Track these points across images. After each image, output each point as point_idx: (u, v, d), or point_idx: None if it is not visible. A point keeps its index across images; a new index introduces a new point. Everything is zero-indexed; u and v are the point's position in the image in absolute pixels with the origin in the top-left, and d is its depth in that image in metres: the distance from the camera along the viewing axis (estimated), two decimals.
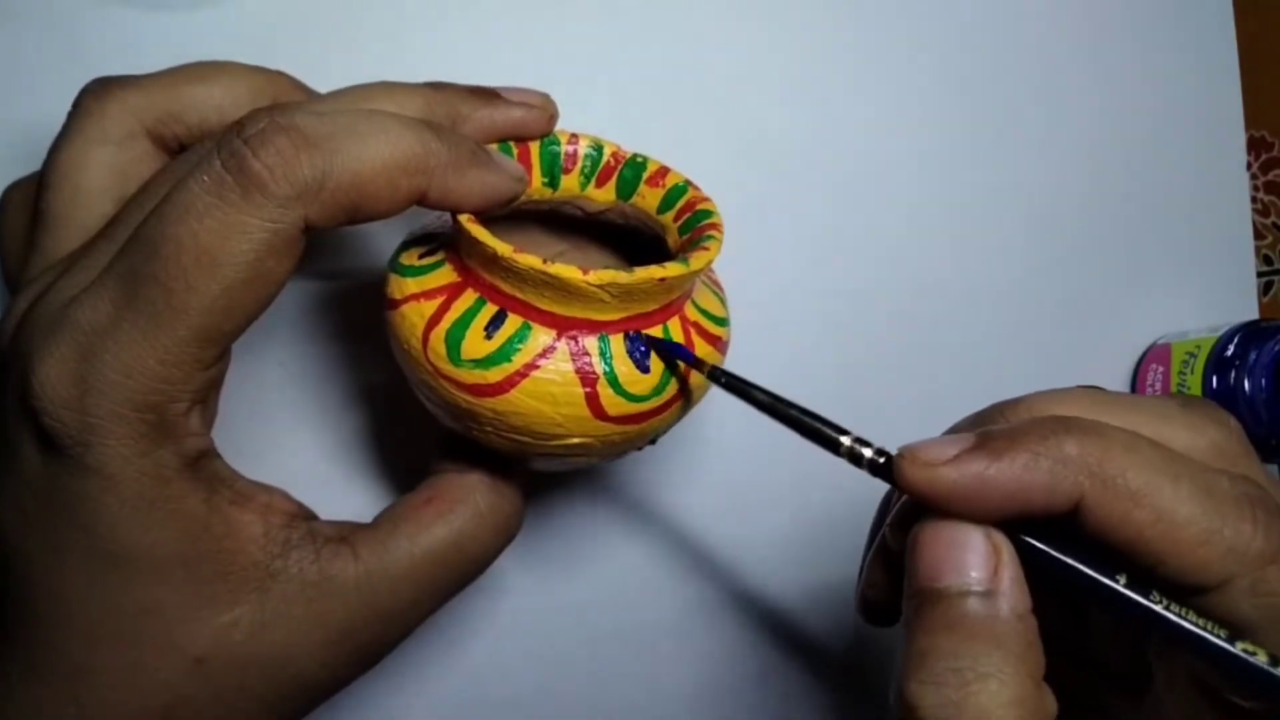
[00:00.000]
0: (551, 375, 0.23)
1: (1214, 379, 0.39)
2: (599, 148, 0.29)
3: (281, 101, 0.25)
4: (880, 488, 0.25)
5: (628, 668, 0.37)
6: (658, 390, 0.25)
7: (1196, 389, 0.39)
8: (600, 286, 0.23)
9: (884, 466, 0.21)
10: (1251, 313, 0.44)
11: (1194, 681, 0.21)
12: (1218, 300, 0.43)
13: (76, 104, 0.25)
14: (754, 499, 0.38)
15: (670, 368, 0.25)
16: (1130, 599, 0.20)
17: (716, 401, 0.34)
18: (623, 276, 0.23)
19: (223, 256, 0.20)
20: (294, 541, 0.23)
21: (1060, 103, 0.42)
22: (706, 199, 0.28)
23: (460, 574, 0.25)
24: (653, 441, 0.27)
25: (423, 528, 0.25)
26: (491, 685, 0.36)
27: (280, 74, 0.27)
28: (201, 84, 0.25)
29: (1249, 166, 0.44)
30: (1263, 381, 0.37)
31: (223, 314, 0.21)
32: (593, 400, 0.24)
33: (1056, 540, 0.21)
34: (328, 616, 0.23)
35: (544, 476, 0.36)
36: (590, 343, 0.24)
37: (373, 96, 0.24)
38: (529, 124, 0.27)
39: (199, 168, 0.21)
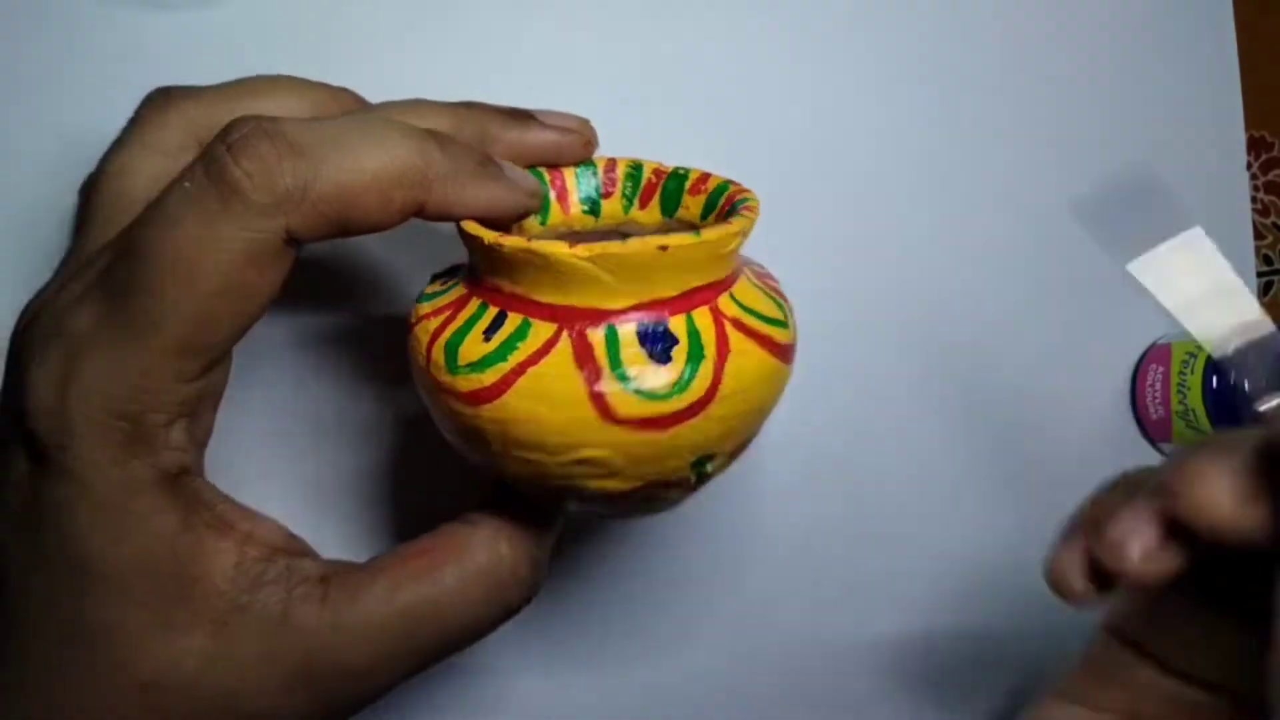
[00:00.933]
0: (549, 370, 0.21)
1: (1214, 379, 0.39)
2: (638, 167, 0.27)
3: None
4: None
5: None
6: (680, 386, 0.21)
7: (1196, 389, 0.39)
8: (591, 260, 0.21)
9: None
10: None
11: None
12: None
13: (136, 112, 0.25)
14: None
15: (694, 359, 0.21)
16: None
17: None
18: (614, 247, 0.21)
19: (199, 267, 0.20)
20: (267, 577, 0.22)
21: (1060, 103, 0.42)
22: (747, 190, 0.26)
23: (440, 638, 0.23)
24: (701, 476, 0.23)
25: (403, 581, 0.23)
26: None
27: (344, 90, 0.26)
28: (260, 98, 0.25)
29: (1249, 166, 0.44)
30: (1262, 381, 0.37)
31: (200, 326, 0.20)
32: (598, 399, 0.21)
33: None
34: (287, 659, 0.21)
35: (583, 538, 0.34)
36: (594, 333, 0.21)
37: (402, 112, 0.24)
38: (563, 148, 0.26)
39: (184, 174, 0.21)
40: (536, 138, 0.26)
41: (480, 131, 0.25)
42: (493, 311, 0.22)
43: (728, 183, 0.27)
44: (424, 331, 0.23)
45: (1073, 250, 0.42)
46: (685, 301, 0.22)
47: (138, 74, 0.28)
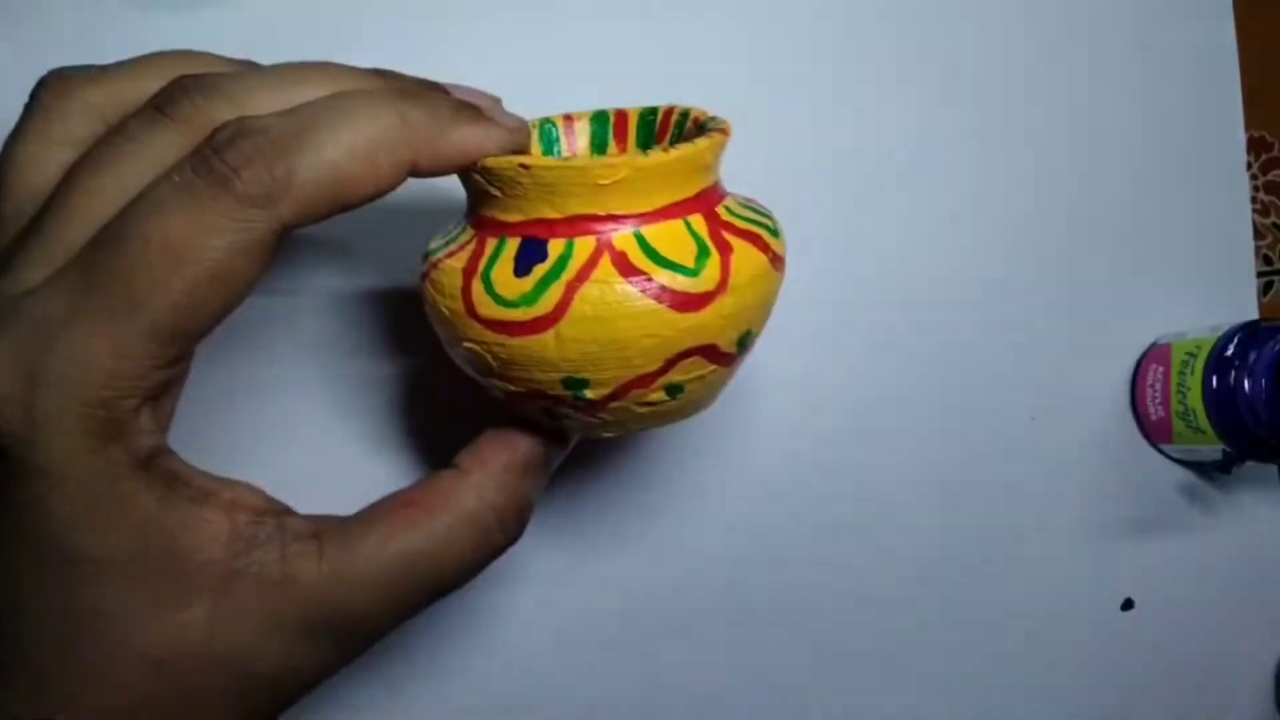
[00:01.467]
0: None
1: (1214, 379, 0.39)
2: (604, 115, 0.29)
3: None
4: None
5: (655, 661, 0.37)
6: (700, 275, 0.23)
7: (1196, 390, 0.39)
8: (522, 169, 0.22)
9: None
10: (1251, 313, 0.44)
11: None
12: (1217, 300, 0.43)
13: (34, 98, 0.24)
14: (802, 484, 0.38)
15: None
16: None
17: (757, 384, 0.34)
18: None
19: (190, 253, 0.20)
20: (260, 538, 0.22)
21: (1060, 103, 0.42)
22: (714, 117, 0.27)
23: (433, 583, 0.24)
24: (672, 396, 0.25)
25: (396, 532, 0.23)
26: (505, 682, 0.36)
27: (251, 64, 0.25)
28: (163, 78, 0.24)
29: (1249, 166, 0.44)
30: (1263, 382, 0.37)
31: (185, 311, 0.20)
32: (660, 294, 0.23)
33: None
34: (286, 615, 0.22)
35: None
36: (623, 237, 0.23)
37: (313, 74, 0.23)
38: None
39: (171, 170, 0.21)
40: None
41: None
42: (515, 242, 0.23)
43: (687, 110, 0.28)
44: (450, 273, 0.24)
45: (1072, 250, 0.42)
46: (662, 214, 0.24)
47: None
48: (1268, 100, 0.44)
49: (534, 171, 0.23)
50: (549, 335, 0.23)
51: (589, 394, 0.24)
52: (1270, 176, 0.45)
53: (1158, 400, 0.41)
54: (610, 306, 0.22)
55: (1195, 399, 0.39)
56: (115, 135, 0.22)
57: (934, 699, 0.40)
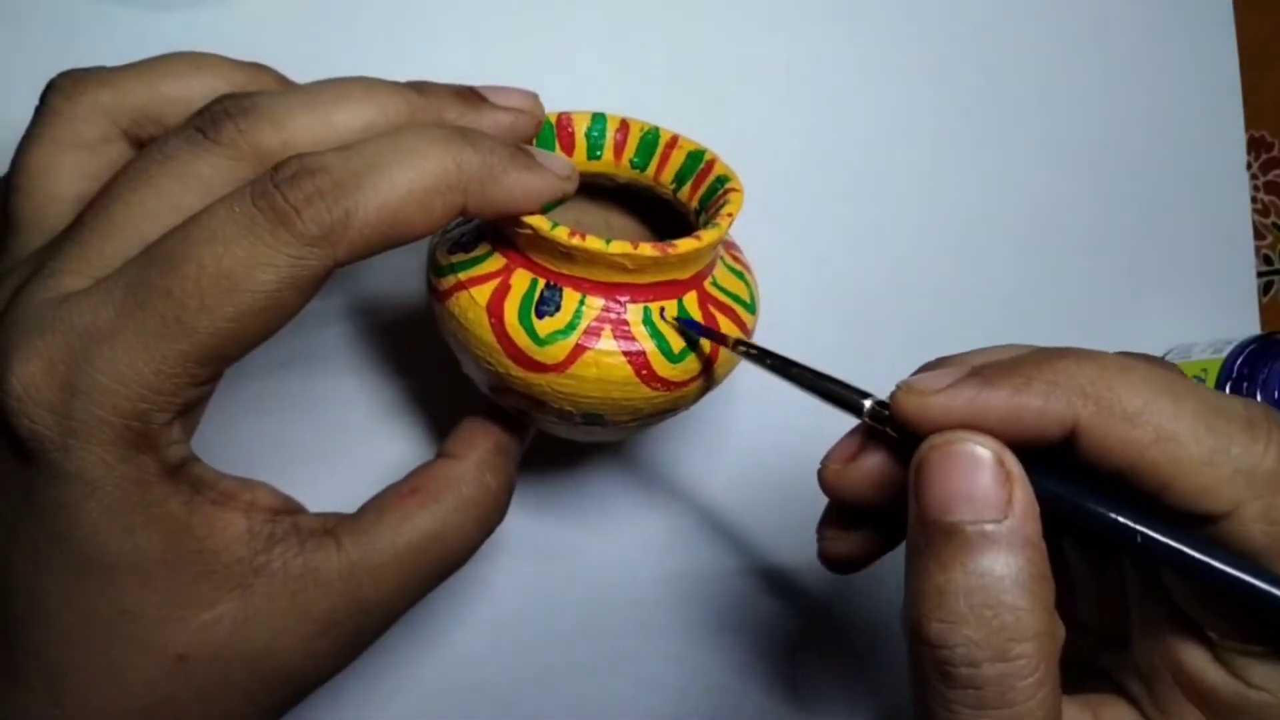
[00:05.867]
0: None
1: (1226, 390, 0.38)
2: (602, 120, 0.30)
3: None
4: None
5: (629, 645, 0.37)
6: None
7: None
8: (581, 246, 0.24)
9: (888, 417, 0.22)
10: (1252, 313, 0.44)
11: (1175, 626, 0.21)
12: (1218, 300, 0.43)
13: (44, 101, 0.24)
14: (768, 476, 0.38)
15: (693, 346, 0.26)
16: (1130, 528, 0.19)
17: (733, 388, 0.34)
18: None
19: (244, 283, 0.20)
20: (278, 536, 0.23)
21: (1060, 103, 0.42)
22: (728, 174, 0.28)
23: (443, 563, 0.26)
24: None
25: (406, 518, 0.25)
26: (485, 666, 0.36)
27: (260, 66, 0.26)
28: (179, 79, 0.24)
29: (1249, 166, 0.44)
30: (1275, 394, 0.37)
31: (229, 338, 0.21)
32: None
33: (1058, 475, 0.20)
34: (312, 608, 0.23)
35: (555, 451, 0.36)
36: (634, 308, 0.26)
37: (351, 94, 0.24)
38: (517, 129, 0.26)
39: (231, 199, 0.21)
40: (490, 120, 0.26)
41: (436, 118, 0.25)
42: (543, 284, 0.25)
43: (702, 151, 0.29)
44: (478, 297, 0.26)
45: (1071, 252, 0.42)
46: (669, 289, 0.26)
47: None
48: (1268, 100, 0.44)
49: (574, 248, 0.24)
50: (552, 379, 0.25)
51: (603, 421, 0.27)
52: (1270, 176, 0.45)
53: None
54: (608, 371, 0.25)
55: None
56: (155, 151, 0.22)
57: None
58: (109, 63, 0.26)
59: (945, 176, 0.40)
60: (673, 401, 0.26)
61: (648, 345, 0.25)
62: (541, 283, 0.25)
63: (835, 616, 0.39)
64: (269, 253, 0.21)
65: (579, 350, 0.25)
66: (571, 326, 0.25)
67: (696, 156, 0.29)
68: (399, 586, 0.25)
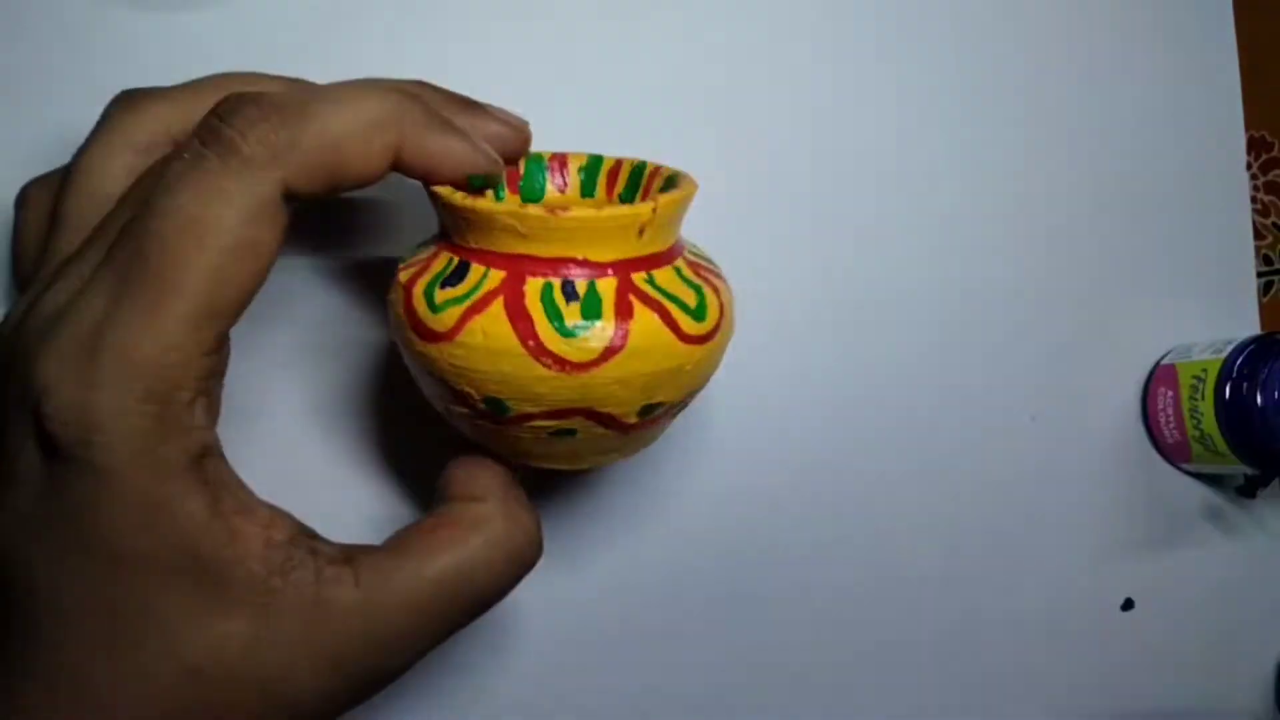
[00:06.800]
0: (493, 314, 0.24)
1: (1225, 400, 0.38)
2: (598, 161, 0.30)
3: None
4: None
5: (635, 670, 0.37)
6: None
7: (1210, 415, 0.39)
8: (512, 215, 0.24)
9: None
10: (1252, 313, 0.44)
11: None
12: (1218, 300, 0.43)
13: (105, 114, 0.25)
14: (765, 500, 0.38)
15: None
16: None
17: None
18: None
19: (210, 225, 0.21)
20: (295, 560, 0.22)
21: (1059, 103, 0.42)
22: (668, 169, 0.28)
23: (470, 605, 0.24)
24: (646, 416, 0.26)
25: (431, 554, 0.24)
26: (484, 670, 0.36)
27: (306, 82, 0.27)
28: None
29: (1249, 166, 0.44)
30: (1275, 394, 0.37)
31: (216, 286, 0.21)
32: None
33: None
34: (323, 641, 0.22)
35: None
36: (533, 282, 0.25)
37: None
38: (506, 141, 0.27)
39: (179, 149, 0.22)
40: (486, 128, 0.26)
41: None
42: (456, 261, 0.25)
43: (643, 163, 0.29)
44: (402, 278, 0.26)
45: (1070, 253, 0.42)
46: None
47: (132, 75, 0.28)
48: (1268, 100, 0.44)
49: (449, 203, 0.24)
50: (444, 347, 0.24)
51: (508, 412, 0.25)
52: (1270, 176, 0.45)
53: (1171, 425, 0.41)
54: (494, 340, 0.24)
55: (1210, 425, 0.39)
56: (169, 155, 0.23)
57: (932, 699, 0.40)
58: (109, 63, 0.26)
59: (944, 176, 0.40)
60: (579, 392, 0.24)
61: (536, 314, 0.24)
62: (455, 260, 0.25)
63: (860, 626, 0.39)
64: (219, 184, 0.21)
65: (467, 315, 0.24)
66: (467, 295, 0.24)
67: (639, 170, 0.29)
68: (419, 626, 0.23)
